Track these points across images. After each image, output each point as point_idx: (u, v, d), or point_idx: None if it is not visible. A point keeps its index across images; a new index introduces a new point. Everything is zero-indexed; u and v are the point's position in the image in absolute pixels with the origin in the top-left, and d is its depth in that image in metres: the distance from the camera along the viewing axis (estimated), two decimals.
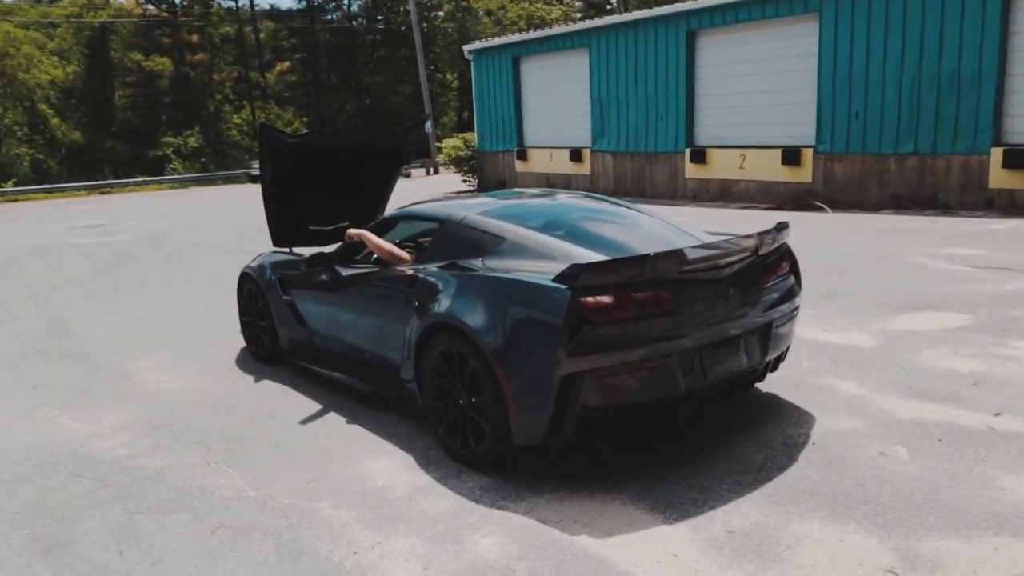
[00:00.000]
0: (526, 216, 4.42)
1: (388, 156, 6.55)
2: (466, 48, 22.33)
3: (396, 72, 56.90)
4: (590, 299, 3.37)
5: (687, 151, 16.47)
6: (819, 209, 13.60)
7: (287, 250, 6.41)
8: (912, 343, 5.41)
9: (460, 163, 23.12)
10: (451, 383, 3.90)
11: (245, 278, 6.05)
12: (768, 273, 4.00)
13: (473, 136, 22.82)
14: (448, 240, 4.34)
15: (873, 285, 7.23)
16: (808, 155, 14.37)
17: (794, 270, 4.30)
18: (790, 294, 4.14)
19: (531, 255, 3.89)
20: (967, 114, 12.23)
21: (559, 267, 3.51)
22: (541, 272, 3.61)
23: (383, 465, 3.93)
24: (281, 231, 6.30)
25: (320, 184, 6.28)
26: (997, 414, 4.09)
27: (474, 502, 3.49)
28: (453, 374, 3.88)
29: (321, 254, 5.13)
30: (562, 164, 19.59)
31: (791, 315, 4.18)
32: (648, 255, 3.38)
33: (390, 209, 6.06)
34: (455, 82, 57.47)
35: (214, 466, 4.05)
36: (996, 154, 11.92)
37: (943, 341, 5.40)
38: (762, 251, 3.91)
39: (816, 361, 5.15)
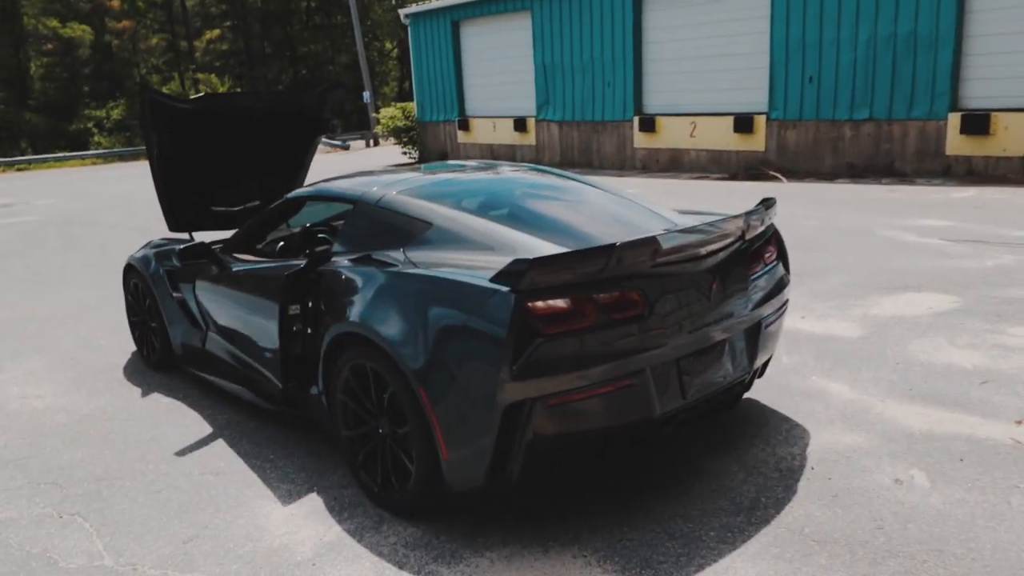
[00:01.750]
0: (460, 195, 3.61)
1: (302, 124, 5.63)
2: (402, 12, 21.13)
3: (333, 40, 54.75)
4: (540, 304, 2.59)
5: (636, 119, 15.77)
6: (773, 179, 13.07)
7: (187, 236, 5.49)
8: (901, 331, 4.80)
9: (399, 134, 22.01)
10: (367, 408, 3.10)
11: (130, 271, 5.10)
12: (755, 261, 3.28)
13: (412, 105, 21.72)
14: (362, 226, 3.50)
15: (845, 262, 6.64)
16: (761, 122, 13.80)
17: (782, 255, 3.59)
18: (780, 285, 3.44)
19: (465, 245, 3.09)
20: (924, 78, 11.78)
21: (501, 261, 2.72)
22: (477, 268, 2.82)
23: (283, 513, 3.12)
24: (177, 214, 5.36)
25: (220, 158, 5.35)
26: (1019, 422, 3.48)
27: (396, 567, 2.71)
28: (369, 397, 3.07)
29: (199, 245, 4.23)
30: (506, 134, 18.71)
31: (781, 311, 3.48)
32: (613, 245, 2.60)
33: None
34: (395, 50, 55.59)
35: (67, 519, 3.18)
36: (953, 119, 11.51)
37: (934, 329, 4.80)
38: (749, 235, 3.18)
39: (797, 356, 4.50)
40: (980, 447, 3.27)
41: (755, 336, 3.25)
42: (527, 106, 18.13)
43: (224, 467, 3.56)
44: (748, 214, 3.13)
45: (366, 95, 31.71)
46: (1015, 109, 10.98)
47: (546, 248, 2.95)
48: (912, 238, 7.45)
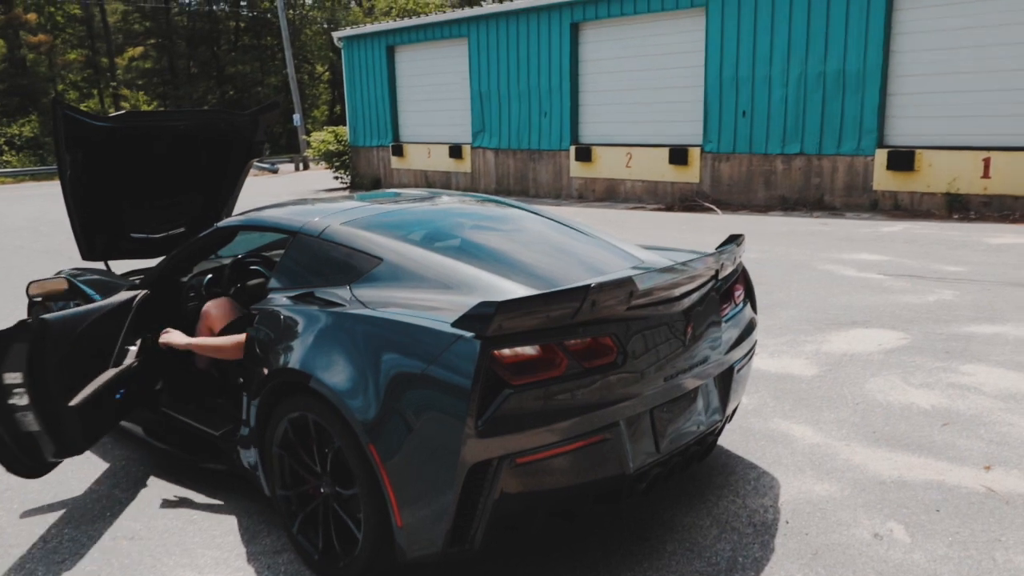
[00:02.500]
0: (410, 226, 3.33)
1: (233, 146, 5.26)
2: (336, 35, 20.79)
3: (263, 62, 53.68)
4: (507, 352, 2.34)
5: (572, 149, 15.78)
6: (708, 210, 13.20)
7: (102, 264, 5.03)
8: (855, 369, 4.72)
9: (331, 158, 21.53)
10: (307, 465, 2.77)
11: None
12: (726, 301, 3.11)
13: (345, 130, 21.30)
14: (303, 260, 3.18)
15: (791, 297, 6.61)
16: (695, 154, 13.97)
17: (750, 295, 3.44)
18: (749, 327, 3.27)
19: (419, 283, 2.81)
20: (852, 115, 12.12)
21: (460, 301, 2.47)
22: (434, 309, 2.55)
23: None
24: (91, 240, 4.90)
25: (142, 181, 4.93)
26: (988, 467, 3.39)
27: None
28: (310, 453, 2.75)
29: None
30: (441, 161, 18.49)
31: (751, 354, 3.32)
32: (588, 286, 2.37)
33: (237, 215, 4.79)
34: (326, 74, 54.91)
35: None
36: (880, 156, 11.85)
37: (887, 366, 4.75)
38: (722, 274, 3.01)
39: (757, 396, 4.36)
40: (953, 496, 3.16)
41: (727, 381, 3.07)
42: (463, 133, 17.97)
43: (140, 530, 3.15)
44: (721, 252, 2.96)
45: (296, 118, 31.05)
46: (938, 147, 11.37)
47: (509, 288, 2.71)
48: (851, 272, 7.51)
